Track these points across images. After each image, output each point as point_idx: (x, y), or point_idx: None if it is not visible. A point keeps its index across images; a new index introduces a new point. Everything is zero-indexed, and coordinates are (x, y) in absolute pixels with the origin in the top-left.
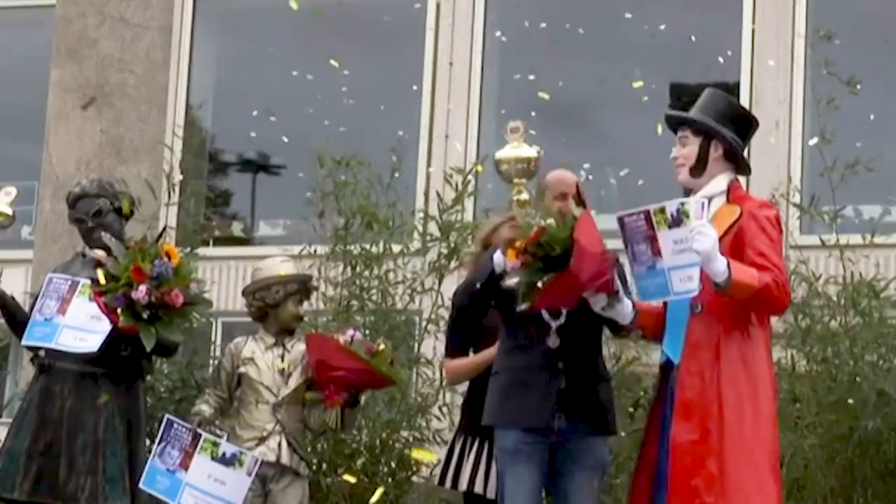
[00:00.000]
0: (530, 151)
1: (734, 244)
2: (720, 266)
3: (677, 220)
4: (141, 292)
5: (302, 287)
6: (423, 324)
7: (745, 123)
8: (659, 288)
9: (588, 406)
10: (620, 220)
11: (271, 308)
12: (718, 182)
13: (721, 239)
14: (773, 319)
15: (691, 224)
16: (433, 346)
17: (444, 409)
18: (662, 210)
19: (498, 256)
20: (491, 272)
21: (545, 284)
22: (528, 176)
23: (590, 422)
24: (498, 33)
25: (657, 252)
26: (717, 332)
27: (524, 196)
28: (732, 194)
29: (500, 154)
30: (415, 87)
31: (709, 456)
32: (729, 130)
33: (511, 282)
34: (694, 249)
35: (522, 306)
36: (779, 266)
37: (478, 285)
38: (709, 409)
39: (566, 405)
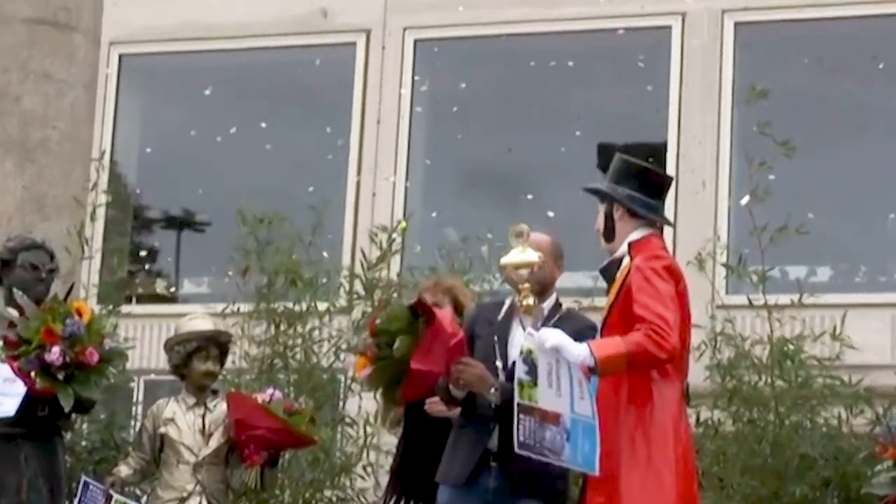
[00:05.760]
0: (532, 256)
1: (625, 302)
2: (581, 352)
3: (533, 367)
4: (54, 354)
5: (204, 343)
6: (348, 382)
7: (645, 177)
8: (587, 434)
9: (528, 468)
10: (524, 446)
11: (181, 368)
12: (626, 243)
13: (614, 303)
14: (700, 378)
15: (538, 350)
16: (357, 405)
17: (369, 469)
18: (521, 384)
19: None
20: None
21: (413, 347)
22: (532, 279)
23: (528, 484)
24: (426, 91)
25: (555, 419)
26: (619, 396)
27: (529, 300)
28: (632, 250)
29: (506, 260)
30: (342, 144)
31: None
32: (626, 188)
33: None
34: (550, 349)
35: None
36: (661, 315)
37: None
38: (613, 475)
39: (503, 464)
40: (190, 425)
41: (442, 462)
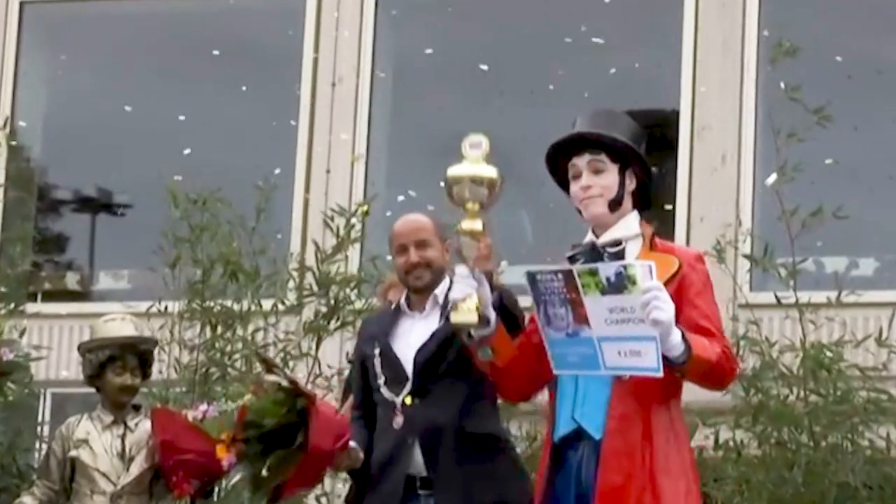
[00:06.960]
0: (490, 171)
1: (677, 301)
2: (675, 339)
3: (617, 286)
4: None
5: (119, 352)
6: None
7: (647, 146)
8: (585, 359)
9: (466, 481)
10: (531, 277)
11: (95, 379)
12: (629, 222)
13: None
14: (719, 392)
15: (640, 291)
16: None
17: (323, 500)
18: (593, 273)
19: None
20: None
21: (287, 467)
22: (485, 202)
23: (473, 497)
24: (392, 47)
25: (582, 319)
26: (647, 403)
27: (477, 225)
28: (655, 240)
29: (454, 171)
30: (290, 111)
31: None
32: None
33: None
34: (653, 319)
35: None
36: (722, 331)
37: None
38: (641, 497)
39: (436, 486)
40: (107, 448)
41: None
